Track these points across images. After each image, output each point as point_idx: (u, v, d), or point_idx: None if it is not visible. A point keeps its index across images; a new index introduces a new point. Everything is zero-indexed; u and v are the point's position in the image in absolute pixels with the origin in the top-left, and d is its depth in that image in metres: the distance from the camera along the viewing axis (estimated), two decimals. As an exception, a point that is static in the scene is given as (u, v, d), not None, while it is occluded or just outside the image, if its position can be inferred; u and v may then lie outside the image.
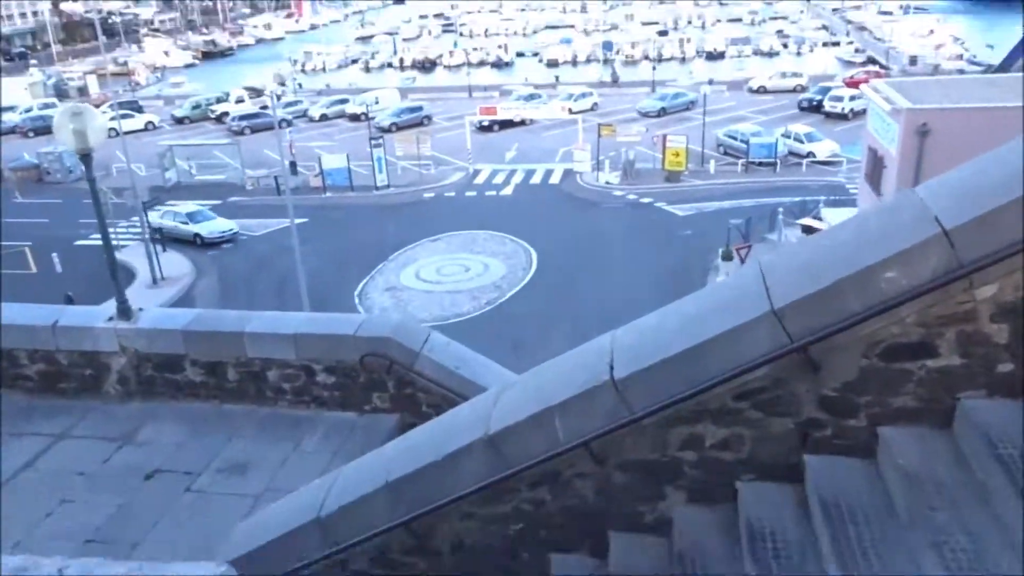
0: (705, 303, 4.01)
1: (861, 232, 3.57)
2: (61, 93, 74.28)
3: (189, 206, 36.19)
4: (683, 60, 79.09)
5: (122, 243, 32.24)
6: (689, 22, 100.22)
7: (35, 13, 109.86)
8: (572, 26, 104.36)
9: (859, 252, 3.40)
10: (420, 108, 55.99)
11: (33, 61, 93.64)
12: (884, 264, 3.28)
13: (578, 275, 28.37)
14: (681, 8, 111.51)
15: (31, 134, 56.94)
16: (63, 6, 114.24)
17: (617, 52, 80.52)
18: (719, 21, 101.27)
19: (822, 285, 3.40)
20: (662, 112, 51.97)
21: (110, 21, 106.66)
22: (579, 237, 32.32)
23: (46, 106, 64.18)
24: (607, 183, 39.40)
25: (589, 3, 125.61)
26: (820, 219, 27.91)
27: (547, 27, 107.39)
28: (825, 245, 3.74)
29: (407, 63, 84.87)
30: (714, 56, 78.94)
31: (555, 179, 40.99)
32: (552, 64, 79.65)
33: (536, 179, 41.21)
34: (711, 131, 43.22)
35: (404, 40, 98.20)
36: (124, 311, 7.87)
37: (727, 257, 26.19)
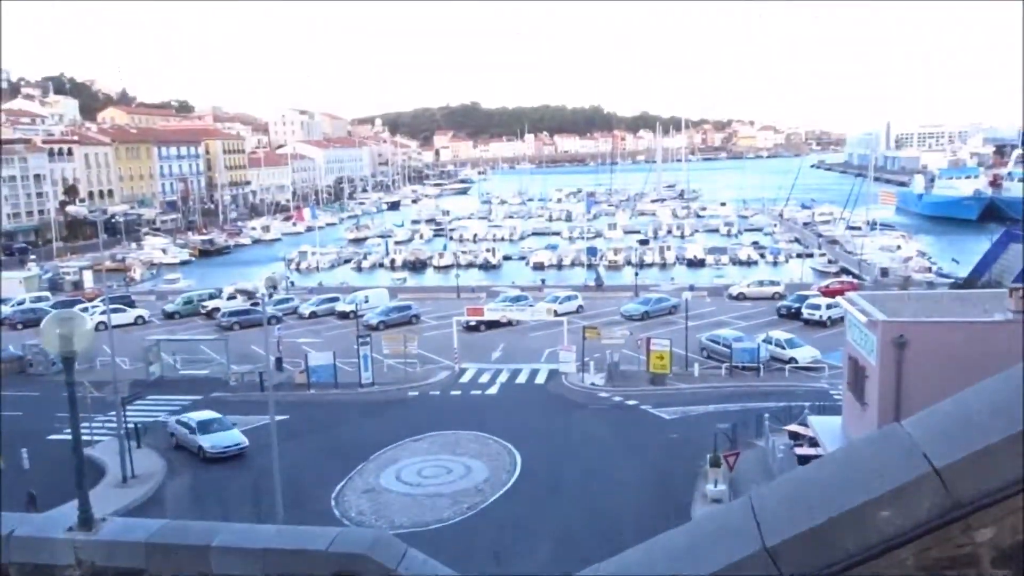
0: (695, 536, 3.83)
1: (851, 466, 3.48)
2: (55, 287, 75.74)
3: (205, 414, 33.14)
4: (664, 266, 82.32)
5: (96, 438, 31.45)
6: (669, 232, 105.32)
7: (41, 212, 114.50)
8: (558, 233, 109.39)
9: (850, 488, 3.30)
10: (409, 307, 57.19)
11: (32, 256, 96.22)
12: (878, 502, 3.17)
13: (563, 479, 27.65)
14: (661, 218, 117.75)
15: (19, 326, 57.21)
16: (69, 208, 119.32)
17: (601, 258, 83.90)
18: (697, 231, 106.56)
19: (816, 523, 3.26)
20: (645, 316, 53.25)
21: (113, 221, 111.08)
22: (564, 439, 31.88)
23: (38, 299, 65.20)
24: (592, 384, 39.51)
25: (574, 211, 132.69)
26: (806, 425, 27.77)
27: (534, 233, 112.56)
28: (816, 479, 3.63)
29: (398, 263, 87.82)
30: (694, 263, 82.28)
31: (540, 379, 41.11)
32: (538, 267, 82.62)
33: (522, 379, 41.32)
34: (694, 335, 44.06)
35: (396, 243, 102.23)
36: (85, 521, 7.42)
37: (715, 463, 25.71)
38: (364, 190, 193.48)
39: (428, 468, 28.92)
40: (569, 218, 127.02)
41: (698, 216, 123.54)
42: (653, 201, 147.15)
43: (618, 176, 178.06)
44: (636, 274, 68.43)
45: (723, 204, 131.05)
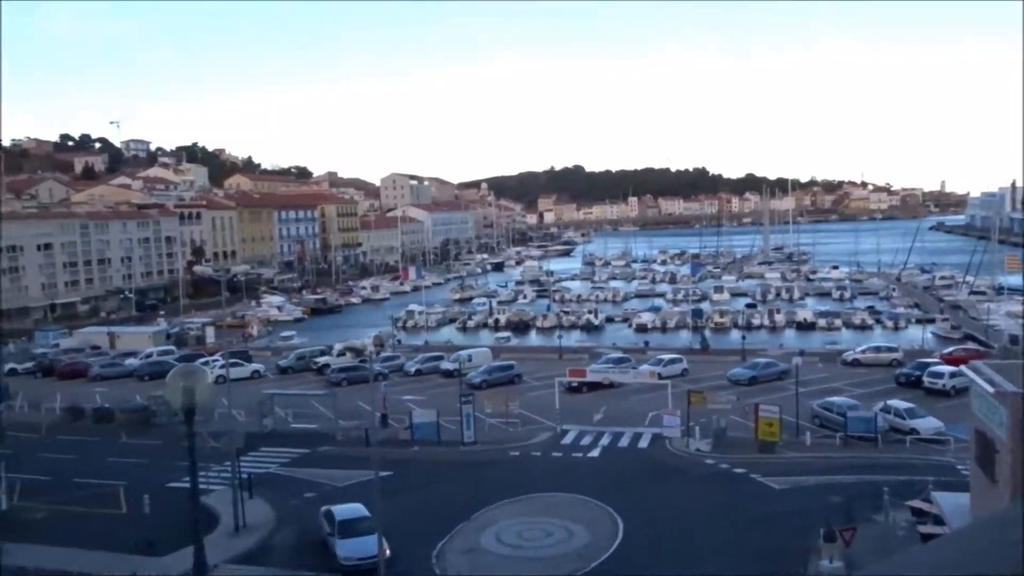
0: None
1: (974, 545, 3.28)
2: (181, 341, 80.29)
3: (352, 509, 27.55)
4: (773, 330, 79.75)
5: (212, 487, 32.74)
6: (777, 295, 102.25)
7: (171, 271, 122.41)
8: (662, 295, 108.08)
9: (974, 565, 3.10)
10: (511, 367, 57.44)
11: (162, 312, 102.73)
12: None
13: (667, 548, 26.72)
14: (769, 281, 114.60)
15: (146, 378, 60.85)
16: (195, 268, 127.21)
17: (707, 320, 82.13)
18: (807, 295, 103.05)
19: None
20: (753, 381, 51.50)
21: (235, 280, 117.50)
22: (668, 505, 30.92)
23: (164, 352, 69.19)
24: (698, 450, 38.31)
25: (678, 273, 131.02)
26: (930, 502, 25.94)
27: (637, 295, 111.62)
28: (937, 559, 3.44)
29: (502, 323, 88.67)
30: (804, 327, 79.37)
31: (643, 443, 40.20)
32: (641, 330, 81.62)
33: (624, 442, 40.53)
34: (805, 402, 42.23)
35: (500, 303, 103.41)
36: (200, 568, 7.80)
37: (830, 538, 24.27)
38: (469, 251, 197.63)
39: (529, 530, 28.56)
40: (673, 280, 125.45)
41: (808, 279, 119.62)
42: (760, 264, 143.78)
43: (724, 238, 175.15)
44: (743, 338, 66.56)
45: (835, 267, 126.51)
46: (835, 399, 43.02)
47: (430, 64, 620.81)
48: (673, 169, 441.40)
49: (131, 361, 66.54)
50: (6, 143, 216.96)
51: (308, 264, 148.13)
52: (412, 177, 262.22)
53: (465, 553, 26.86)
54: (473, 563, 26.02)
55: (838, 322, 79.19)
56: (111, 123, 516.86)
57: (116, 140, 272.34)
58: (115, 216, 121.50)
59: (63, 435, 46.06)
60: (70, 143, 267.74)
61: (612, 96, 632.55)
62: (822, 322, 79.68)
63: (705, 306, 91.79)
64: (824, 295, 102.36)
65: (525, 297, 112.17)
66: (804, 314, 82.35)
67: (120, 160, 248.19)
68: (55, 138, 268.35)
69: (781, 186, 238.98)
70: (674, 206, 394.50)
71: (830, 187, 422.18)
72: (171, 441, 42.06)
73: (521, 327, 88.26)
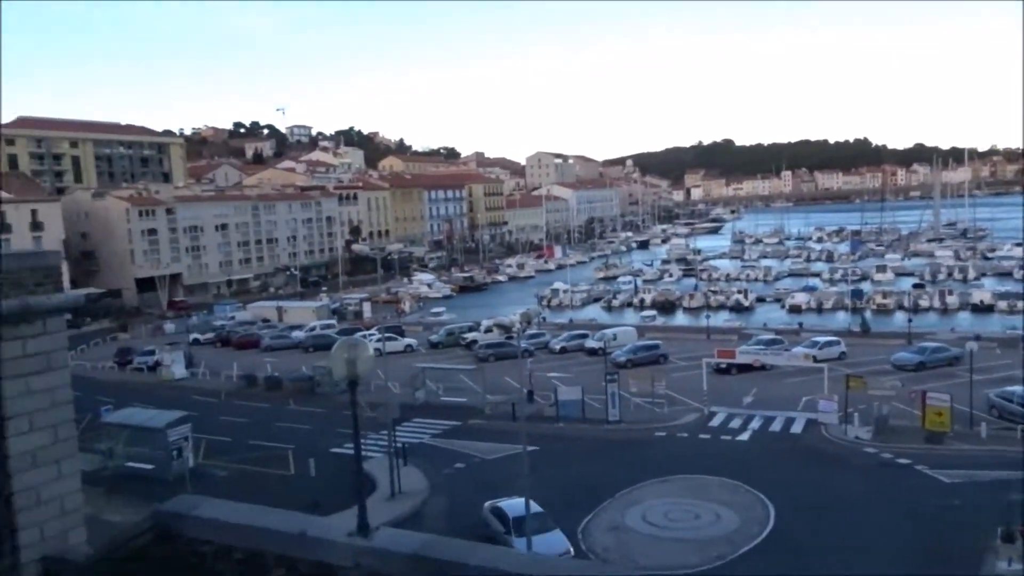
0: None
1: None
2: (340, 316, 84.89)
3: (521, 504, 24.17)
4: (944, 312, 74.21)
5: (369, 455, 34.61)
6: (949, 275, 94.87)
7: (331, 249, 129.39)
8: (817, 274, 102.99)
9: None
10: (657, 346, 56.75)
11: (324, 288, 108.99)
12: None
13: (822, 538, 25.66)
14: (940, 260, 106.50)
15: (311, 349, 64.86)
16: (353, 247, 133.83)
17: (868, 301, 77.57)
18: (984, 275, 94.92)
19: None
20: (920, 366, 48.21)
21: (389, 258, 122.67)
22: (823, 494, 29.64)
23: (326, 326, 73.42)
24: (856, 438, 36.42)
25: (836, 251, 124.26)
26: None
27: (790, 274, 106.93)
28: None
29: (647, 303, 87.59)
30: (980, 309, 73.32)
31: (797, 429, 38.68)
32: (795, 311, 78.21)
33: (776, 427, 39.16)
34: (980, 391, 39.10)
35: (645, 282, 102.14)
36: (363, 528, 8.28)
37: (1009, 538, 22.49)
38: (614, 230, 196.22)
39: (675, 511, 28.28)
40: (831, 258, 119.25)
41: (986, 258, 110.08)
42: (930, 241, 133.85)
43: (887, 214, 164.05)
44: (910, 320, 62.33)
45: (1018, 244, 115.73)
46: (1017, 389, 39.50)
47: (576, 42, 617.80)
48: (831, 140, 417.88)
49: (297, 334, 71.10)
50: (188, 132, 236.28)
51: (456, 243, 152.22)
52: (557, 155, 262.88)
53: (611, 530, 26.98)
54: (618, 541, 26.11)
55: (1021, 305, 72.48)
56: (277, 110, 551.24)
57: (282, 126, 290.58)
58: (281, 198, 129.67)
59: (239, 400, 50.08)
60: (242, 130, 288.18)
61: (764, 65, 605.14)
62: (1002, 304, 73.19)
63: (866, 286, 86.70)
64: (1004, 275, 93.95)
65: (671, 276, 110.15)
66: (981, 295, 75.99)
67: (286, 145, 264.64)
68: (229, 126, 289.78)
69: (955, 156, 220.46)
70: (832, 180, 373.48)
71: (1013, 156, 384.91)
72: (333, 409, 44.80)
73: (667, 306, 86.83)
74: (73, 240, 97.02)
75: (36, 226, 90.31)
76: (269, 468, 35.38)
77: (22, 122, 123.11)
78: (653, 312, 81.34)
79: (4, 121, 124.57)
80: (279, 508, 9.01)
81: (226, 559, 8.51)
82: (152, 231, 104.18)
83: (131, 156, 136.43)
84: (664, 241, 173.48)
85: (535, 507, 24.91)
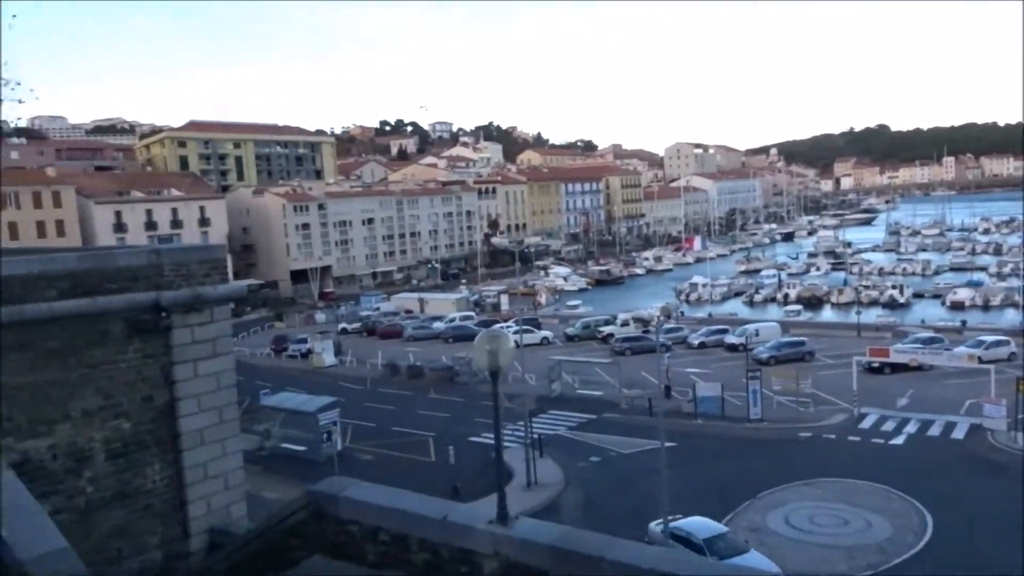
0: None
1: None
2: (479, 308, 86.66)
3: (704, 524, 23.80)
4: None
5: (505, 445, 35.17)
6: None
7: (470, 242, 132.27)
8: (983, 269, 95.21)
9: None
10: (802, 343, 54.35)
11: (463, 281, 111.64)
12: None
13: (988, 556, 23.74)
14: None
15: (450, 340, 66.64)
16: (492, 240, 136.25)
17: (1042, 298, 70.89)
18: None
19: None
20: (1106, 370, 43.58)
21: (526, 251, 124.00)
22: (988, 506, 27.41)
23: (465, 318, 75.16)
24: (1028, 447, 33.43)
25: (1005, 244, 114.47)
26: None
27: (952, 269, 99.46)
28: None
29: (792, 298, 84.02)
30: None
31: (958, 434, 35.96)
32: (957, 307, 72.71)
33: (934, 431, 36.58)
34: None
35: (790, 276, 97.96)
36: (503, 517, 8.44)
37: None
38: (756, 221, 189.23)
39: (821, 516, 27.03)
40: (999, 251, 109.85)
41: None
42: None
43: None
44: (1093, 319, 56.50)
45: None
46: None
47: (718, 27, 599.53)
48: (1002, 123, 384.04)
49: (437, 325, 73.24)
50: (337, 131, 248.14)
51: (592, 235, 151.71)
52: (697, 146, 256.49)
53: (752, 532, 26.14)
54: (760, 543, 25.24)
55: None
56: (420, 108, 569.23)
57: (424, 123, 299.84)
58: (424, 193, 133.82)
59: (382, 388, 52.23)
60: (387, 128, 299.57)
61: (923, 42, 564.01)
62: None
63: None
64: None
65: (818, 269, 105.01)
66: None
67: (428, 141, 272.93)
68: (376, 125, 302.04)
69: None
70: (1001, 166, 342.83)
71: None
72: (471, 399, 45.85)
73: (813, 302, 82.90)
74: (235, 234, 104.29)
75: (203, 221, 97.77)
76: (410, 454, 36.74)
77: (192, 126, 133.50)
78: (798, 307, 77.90)
79: (176, 125, 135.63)
80: (422, 493, 9.34)
81: (373, 540, 8.92)
82: (305, 226, 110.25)
83: (287, 155, 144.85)
84: (811, 233, 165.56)
85: (719, 526, 23.75)
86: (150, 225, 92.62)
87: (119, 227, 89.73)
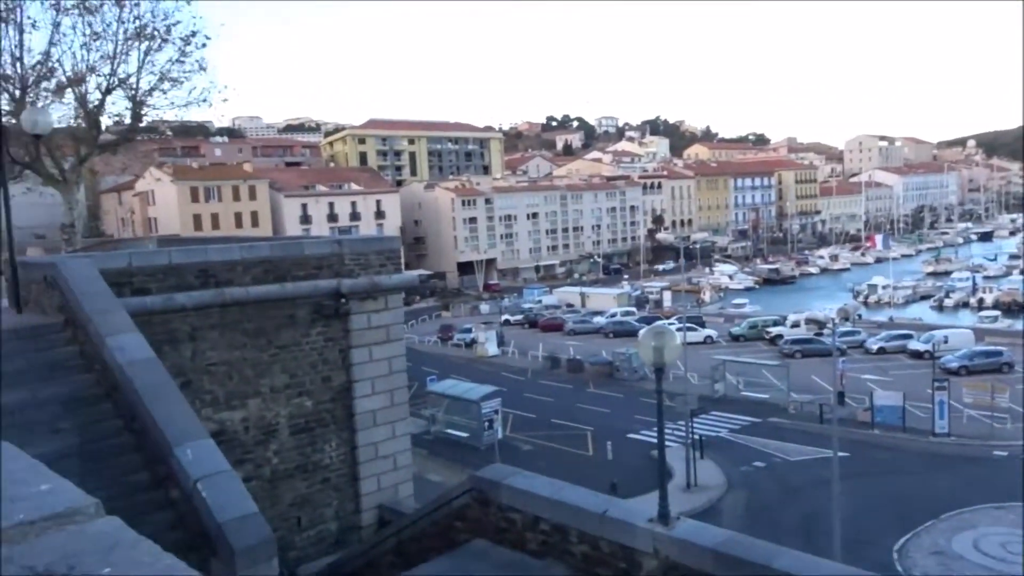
0: None
1: None
2: (640, 304, 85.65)
3: None
4: None
5: (666, 444, 34.59)
6: None
7: (633, 237, 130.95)
8: None
9: None
10: (1000, 353, 49.51)
11: (625, 276, 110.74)
12: None
13: None
14: None
15: (611, 335, 66.32)
16: (657, 236, 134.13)
17: None
18: None
19: None
20: None
21: (691, 247, 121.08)
22: None
23: (626, 313, 74.53)
24: None
25: None
26: None
27: None
28: None
29: (988, 303, 76.68)
30: None
31: None
32: None
33: None
34: None
35: (986, 278, 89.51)
36: (664, 516, 8.30)
37: None
38: (948, 219, 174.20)
39: (1016, 543, 24.54)
40: None
41: None
42: None
43: None
44: None
45: None
46: None
47: (902, 10, 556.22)
48: None
49: (598, 319, 73.11)
50: (505, 127, 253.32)
51: (762, 232, 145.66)
52: (882, 138, 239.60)
53: (934, 554, 24.19)
54: (943, 567, 23.34)
55: None
56: (585, 103, 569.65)
57: (590, 118, 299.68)
58: (588, 188, 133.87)
59: (543, 380, 52.85)
60: (554, 124, 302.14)
61: None
62: None
63: None
64: None
65: (1021, 273, 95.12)
66: None
67: (593, 136, 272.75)
68: (543, 120, 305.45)
69: None
70: None
71: None
72: (630, 395, 45.45)
73: (1014, 308, 75.16)
74: (408, 227, 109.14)
75: (379, 214, 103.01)
76: (569, 447, 36.94)
77: (371, 124, 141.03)
78: (995, 313, 70.91)
79: (358, 124, 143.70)
80: (580, 486, 9.37)
81: (534, 529, 9.05)
82: (472, 219, 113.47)
83: (457, 151, 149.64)
84: (1012, 233, 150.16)
85: None
86: (331, 217, 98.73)
87: (305, 219, 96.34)
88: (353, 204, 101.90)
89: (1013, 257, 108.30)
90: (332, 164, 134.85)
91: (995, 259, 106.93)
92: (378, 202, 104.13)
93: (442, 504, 9.52)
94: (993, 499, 28.10)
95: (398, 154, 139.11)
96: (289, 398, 10.78)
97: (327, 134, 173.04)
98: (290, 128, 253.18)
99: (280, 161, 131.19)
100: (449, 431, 39.27)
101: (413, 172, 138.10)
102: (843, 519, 22.46)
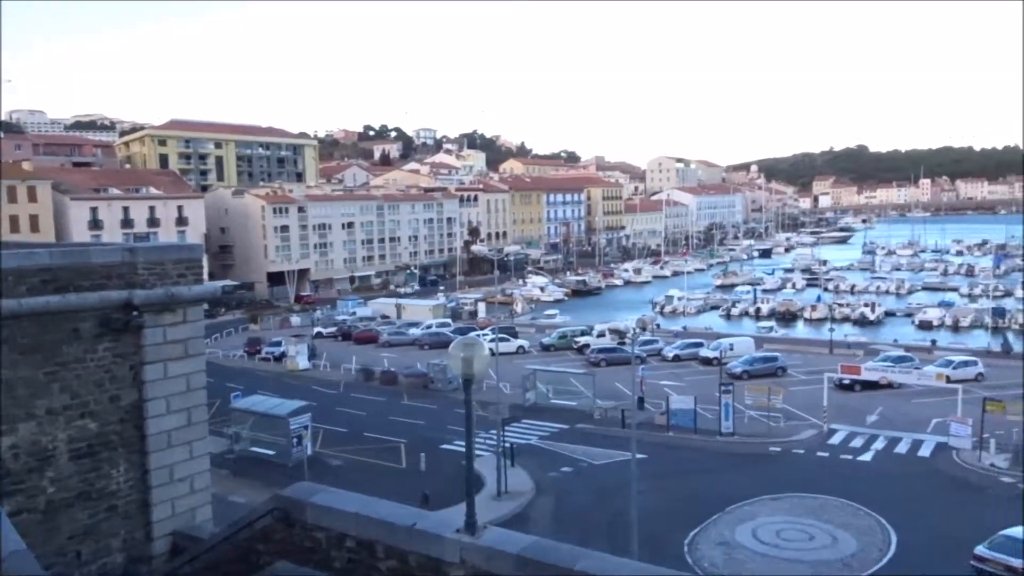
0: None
1: None
2: (456, 315, 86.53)
3: None
4: (1100, 335, 68.07)
5: (477, 453, 35.13)
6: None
7: (450, 249, 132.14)
8: (955, 289, 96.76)
9: None
10: (776, 358, 54.85)
11: (441, 288, 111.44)
12: None
13: (949, 570, 24.08)
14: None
15: (427, 347, 66.46)
16: (472, 248, 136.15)
17: (1010, 320, 72.23)
18: None
19: None
20: (1070, 393, 44.38)
21: (505, 259, 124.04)
22: (952, 523, 27.79)
23: (442, 324, 75.00)
24: (992, 466, 33.96)
25: (978, 266, 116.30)
26: None
27: (924, 288, 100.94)
28: None
29: (765, 312, 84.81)
30: None
31: (925, 451, 36.46)
32: (926, 327, 73.87)
33: (901, 448, 37.05)
34: None
35: (765, 291, 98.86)
36: (471, 526, 8.45)
37: None
38: (735, 237, 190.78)
39: (788, 530, 27.26)
40: (971, 273, 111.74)
41: None
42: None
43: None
44: (1060, 342, 57.55)
45: None
46: None
47: (703, 44, 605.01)
48: (977, 147, 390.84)
49: (414, 331, 73.00)
50: (321, 134, 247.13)
51: (572, 246, 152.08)
52: (679, 160, 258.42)
53: (719, 545, 26.31)
54: (727, 556, 25.43)
55: None
56: (404, 113, 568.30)
57: (409, 129, 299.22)
58: (405, 198, 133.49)
59: (356, 393, 51.95)
60: (371, 133, 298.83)
61: (902, 67, 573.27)
62: None
63: (1009, 303, 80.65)
64: None
65: (794, 286, 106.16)
66: None
67: (411, 147, 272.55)
68: (360, 129, 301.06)
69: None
70: (976, 189, 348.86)
71: None
72: (444, 406, 45.76)
73: (788, 317, 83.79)
74: (213, 235, 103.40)
75: (181, 221, 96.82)
76: (382, 460, 36.56)
77: (173, 124, 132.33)
78: (772, 323, 78.63)
79: (158, 123, 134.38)
80: (390, 500, 9.33)
81: (340, 547, 8.89)
82: (284, 228, 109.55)
83: (269, 156, 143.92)
84: (788, 250, 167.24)
85: None
86: (126, 223, 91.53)
87: (95, 224, 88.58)
88: (152, 209, 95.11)
89: (788, 271, 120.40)
90: (128, 166, 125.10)
91: (772, 273, 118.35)
92: (180, 208, 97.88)
93: (242, 526, 9.12)
94: (770, 491, 31.03)
95: (203, 158, 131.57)
96: (70, 420, 9.87)
97: (123, 133, 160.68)
98: (79, 125, 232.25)
99: (67, 161, 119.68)
100: (255, 449, 37.59)
101: (220, 177, 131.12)
102: (641, 518, 23.91)
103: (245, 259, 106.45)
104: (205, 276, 17.72)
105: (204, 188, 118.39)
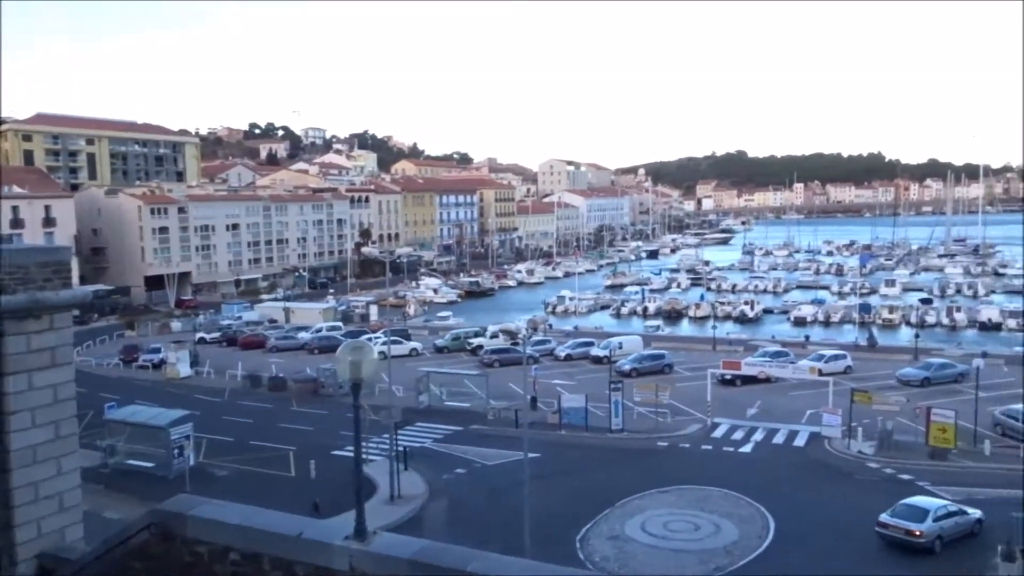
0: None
1: None
2: (347, 318, 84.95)
3: None
4: (952, 329, 73.88)
5: (371, 458, 34.66)
6: (958, 291, 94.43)
7: (340, 251, 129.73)
8: (826, 287, 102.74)
9: None
10: (662, 356, 56.66)
11: (331, 290, 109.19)
12: None
13: (823, 553, 25.58)
14: (950, 276, 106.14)
15: (316, 351, 64.99)
16: (363, 249, 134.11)
17: (875, 316, 77.33)
18: (994, 292, 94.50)
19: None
20: (926, 382, 47.99)
21: (397, 261, 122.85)
22: (824, 508, 29.55)
23: (332, 328, 73.52)
24: (860, 453, 36.29)
25: (846, 265, 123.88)
26: None
27: (799, 287, 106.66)
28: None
29: (653, 312, 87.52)
30: (988, 327, 72.98)
31: (800, 442, 38.58)
32: (800, 323, 78.14)
33: (779, 439, 39.08)
34: (985, 408, 38.91)
35: (652, 291, 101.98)
36: (361, 532, 8.32)
37: (1009, 557, 22.38)
38: (624, 238, 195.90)
39: (675, 522, 28.24)
40: (840, 272, 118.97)
41: (996, 274, 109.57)
42: (941, 256, 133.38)
43: (899, 229, 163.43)
44: (917, 336, 62.06)
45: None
46: (1021, 407, 39.32)
47: (592, 49, 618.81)
48: (845, 154, 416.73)
49: (303, 335, 71.22)
50: (203, 132, 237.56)
51: (466, 247, 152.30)
52: (569, 163, 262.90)
53: (610, 539, 26.96)
54: (617, 550, 26.09)
55: (1030, 323, 72.13)
56: (293, 112, 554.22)
57: (297, 128, 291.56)
58: (293, 199, 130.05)
59: (243, 400, 50.23)
60: (257, 131, 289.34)
61: (779, 77, 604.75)
62: (1011, 323, 72.80)
63: (874, 300, 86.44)
64: (1015, 293, 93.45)
65: (679, 286, 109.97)
66: (989, 313, 75.62)
67: (300, 147, 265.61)
68: (245, 127, 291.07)
69: (969, 172, 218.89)
70: (844, 193, 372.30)
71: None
72: (336, 411, 44.89)
73: (674, 316, 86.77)
74: (85, 236, 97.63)
75: (49, 222, 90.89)
76: (270, 469, 35.49)
77: (39, 118, 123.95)
78: (659, 322, 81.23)
79: (22, 117, 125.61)
80: (278, 510, 9.06)
81: (222, 560, 8.56)
82: (163, 229, 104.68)
83: (146, 154, 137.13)
84: (673, 251, 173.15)
85: None
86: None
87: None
88: (15, 209, 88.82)
89: (673, 272, 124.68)
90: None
91: (659, 274, 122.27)
92: (47, 208, 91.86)
93: (116, 544, 8.65)
94: (658, 484, 32.08)
95: (74, 155, 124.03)
96: (-82, 438, 9.11)
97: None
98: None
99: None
100: (131, 462, 35.73)
101: (92, 176, 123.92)
102: (534, 516, 24.19)
103: (120, 262, 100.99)
104: (75, 280, 16.73)
105: (75, 187, 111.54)
